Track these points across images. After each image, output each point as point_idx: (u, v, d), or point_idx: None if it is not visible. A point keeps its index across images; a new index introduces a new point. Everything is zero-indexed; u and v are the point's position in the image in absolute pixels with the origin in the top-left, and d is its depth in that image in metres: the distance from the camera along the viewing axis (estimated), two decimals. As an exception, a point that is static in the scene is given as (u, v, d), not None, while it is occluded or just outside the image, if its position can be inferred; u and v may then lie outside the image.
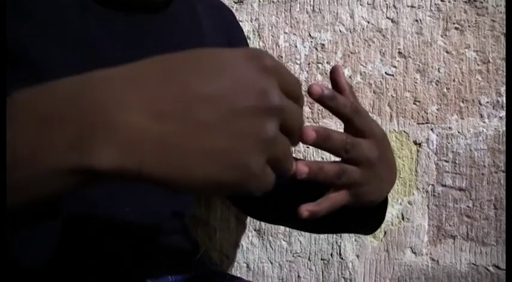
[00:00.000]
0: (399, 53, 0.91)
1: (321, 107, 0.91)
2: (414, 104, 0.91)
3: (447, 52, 0.90)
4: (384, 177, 0.45)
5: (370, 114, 0.91)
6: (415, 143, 0.91)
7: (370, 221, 0.53)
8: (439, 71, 0.90)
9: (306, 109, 0.92)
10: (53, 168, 0.24)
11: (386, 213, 0.91)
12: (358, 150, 0.42)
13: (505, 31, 0.90)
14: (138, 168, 0.25)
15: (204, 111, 0.25)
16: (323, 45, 0.91)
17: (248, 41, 0.92)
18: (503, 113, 0.90)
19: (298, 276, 0.93)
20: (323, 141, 0.40)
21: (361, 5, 0.92)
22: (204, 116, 0.25)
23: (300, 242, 0.92)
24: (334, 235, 0.92)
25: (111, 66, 0.47)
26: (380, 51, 0.91)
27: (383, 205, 0.51)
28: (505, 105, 0.90)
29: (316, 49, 0.91)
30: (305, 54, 0.91)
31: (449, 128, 0.91)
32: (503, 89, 0.90)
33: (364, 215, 0.49)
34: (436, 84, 0.90)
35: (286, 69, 0.30)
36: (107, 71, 0.27)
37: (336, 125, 0.90)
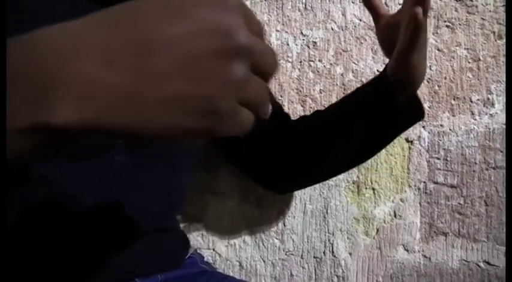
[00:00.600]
0: (391, 50, 0.91)
1: (312, 105, 0.91)
2: (406, 101, 0.91)
3: (438, 50, 0.91)
4: (418, 66, 0.57)
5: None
6: (407, 140, 0.91)
7: (406, 114, 0.64)
8: (430, 69, 0.91)
9: (298, 107, 0.91)
10: (13, 128, 0.23)
11: (378, 212, 0.91)
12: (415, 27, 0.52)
13: (494, 29, 0.90)
14: (96, 121, 0.23)
15: (160, 57, 0.24)
16: (315, 43, 0.91)
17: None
18: (493, 111, 0.91)
19: (291, 274, 0.93)
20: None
21: (353, 2, 0.92)
22: (161, 62, 0.24)
23: (293, 240, 0.92)
24: (327, 233, 0.92)
25: None
26: (372, 49, 0.91)
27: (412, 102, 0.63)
28: (495, 102, 0.91)
29: (308, 47, 0.91)
30: (297, 52, 0.91)
31: (441, 125, 0.91)
32: (493, 87, 0.90)
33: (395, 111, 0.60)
34: (427, 81, 0.91)
35: (250, 9, 0.27)
36: (63, 23, 0.25)
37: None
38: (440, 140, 0.91)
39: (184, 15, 0.24)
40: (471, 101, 0.91)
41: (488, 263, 0.92)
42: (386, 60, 0.91)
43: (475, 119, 0.91)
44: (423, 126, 0.91)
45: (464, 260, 0.92)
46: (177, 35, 0.24)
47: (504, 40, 0.90)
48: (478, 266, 0.92)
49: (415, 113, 0.64)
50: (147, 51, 0.24)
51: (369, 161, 0.91)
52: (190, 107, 0.24)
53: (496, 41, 0.90)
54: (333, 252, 0.92)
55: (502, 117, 0.90)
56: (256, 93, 0.27)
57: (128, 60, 0.23)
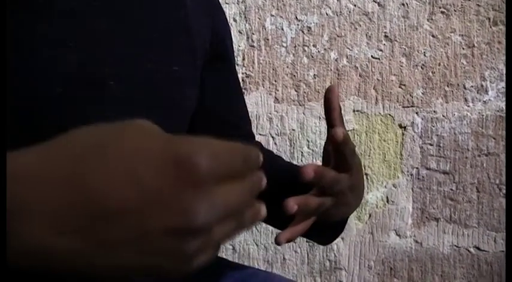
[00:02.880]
0: (385, 36, 0.91)
1: (306, 90, 0.91)
2: (400, 87, 0.91)
3: (433, 36, 0.91)
4: (351, 204, 0.46)
5: (355, 97, 0.91)
6: (400, 126, 0.92)
7: (328, 235, 0.56)
8: (424, 55, 0.91)
9: (292, 92, 0.92)
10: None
11: (371, 197, 0.92)
12: (340, 185, 0.43)
13: (489, 16, 0.90)
14: (45, 268, 0.25)
15: (112, 228, 0.23)
16: (309, 28, 0.91)
17: (235, 23, 0.91)
18: (487, 97, 0.91)
19: (284, 258, 0.94)
20: (318, 179, 0.41)
21: (348, -13, 0.92)
22: (113, 233, 0.23)
23: (286, 224, 0.93)
24: (320, 218, 0.93)
25: (94, 39, 0.46)
26: (366, 35, 0.91)
27: (343, 222, 0.54)
28: (489, 89, 0.91)
29: (303, 32, 0.91)
30: (291, 37, 0.91)
31: (434, 111, 0.91)
32: (487, 73, 0.91)
33: (323, 230, 0.51)
34: (421, 68, 0.91)
35: (226, 156, 0.25)
36: (18, 159, 0.25)
37: (321, 107, 0.90)
38: (433, 126, 0.91)
39: (138, 183, 0.23)
40: (465, 88, 0.91)
41: (478, 248, 0.93)
42: (381, 47, 0.91)
43: (469, 106, 0.91)
44: (416, 112, 0.92)
45: (455, 245, 0.93)
46: (129, 208, 0.23)
47: (499, 26, 0.90)
48: (469, 251, 0.93)
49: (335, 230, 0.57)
50: (100, 220, 0.23)
51: (362, 147, 0.92)
52: (140, 272, 0.25)
53: (491, 27, 0.90)
54: (325, 236, 0.93)
55: (495, 104, 0.91)
56: (219, 239, 0.26)
57: (80, 229, 0.23)
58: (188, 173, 0.23)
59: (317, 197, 0.43)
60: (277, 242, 0.42)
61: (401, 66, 0.91)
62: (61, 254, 0.24)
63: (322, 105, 0.96)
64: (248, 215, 0.27)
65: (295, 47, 0.91)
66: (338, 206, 0.44)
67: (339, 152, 0.42)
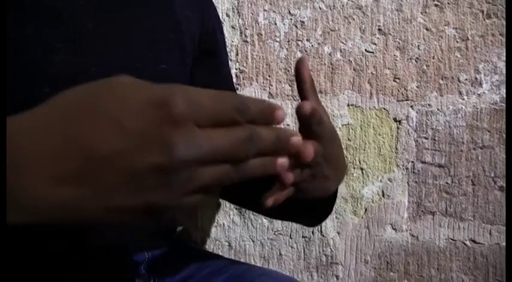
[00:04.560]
0: (379, 30, 0.90)
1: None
2: (394, 81, 0.91)
3: (427, 29, 0.90)
4: (329, 176, 0.45)
5: (350, 91, 0.91)
6: (395, 120, 0.92)
7: (314, 215, 0.54)
8: (418, 48, 0.90)
9: (286, 87, 0.91)
10: None
11: (366, 191, 0.92)
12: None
13: (483, 9, 0.90)
14: (49, 220, 0.26)
15: (105, 172, 0.25)
16: (303, 22, 0.90)
17: (228, 18, 0.90)
18: (481, 90, 0.91)
19: (280, 254, 0.93)
20: (314, 114, 0.40)
21: (341, -19, 0.91)
22: (106, 177, 0.25)
23: (282, 220, 0.92)
24: (315, 213, 0.93)
25: (81, 38, 0.46)
26: (360, 28, 0.90)
27: (329, 201, 0.52)
28: (483, 82, 0.91)
29: (296, 26, 0.90)
30: (285, 32, 0.90)
31: (429, 105, 0.91)
32: (481, 66, 0.91)
33: (307, 209, 0.50)
34: (415, 61, 0.91)
35: (207, 100, 0.27)
36: (13, 121, 0.27)
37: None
38: (428, 120, 0.91)
39: (122, 128, 0.25)
40: (459, 81, 0.91)
41: (474, 241, 0.93)
42: (375, 41, 0.91)
43: (463, 99, 0.91)
44: (411, 106, 0.91)
45: (451, 238, 0.93)
46: (117, 151, 0.25)
47: (493, 19, 0.90)
48: (464, 244, 0.93)
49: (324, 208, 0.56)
50: (93, 166, 0.25)
51: (356, 141, 0.92)
52: (137, 213, 0.27)
53: (484, 20, 0.90)
54: (321, 231, 0.93)
55: (489, 97, 0.91)
56: (205, 180, 0.27)
57: (76, 175, 0.25)
58: (166, 113, 0.25)
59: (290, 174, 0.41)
60: (265, 203, 0.41)
61: (396, 59, 0.90)
62: (62, 201, 0.26)
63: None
64: (248, 164, 0.28)
65: (288, 41, 0.91)
66: (315, 179, 0.43)
67: (306, 124, 0.41)
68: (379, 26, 0.90)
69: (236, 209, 0.93)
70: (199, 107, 0.26)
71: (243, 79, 0.91)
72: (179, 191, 0.26)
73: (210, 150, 0.26)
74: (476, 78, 0.91)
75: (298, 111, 0.39)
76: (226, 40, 0.81)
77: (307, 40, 0.90)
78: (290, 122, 0.91)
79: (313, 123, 0.40)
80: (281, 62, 0.90)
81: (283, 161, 0.31)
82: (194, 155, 0.26)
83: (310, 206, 0.49)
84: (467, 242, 0.93)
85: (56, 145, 0.26)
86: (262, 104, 0.29)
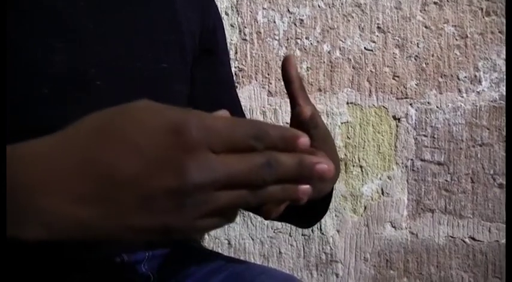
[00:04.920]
0: (378, 28, 0.90)
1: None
2: (393, 79, 0.91)
3: (426, 27, 0.90)
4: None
5: (349, 89, 0.91)
6: (394, 118, 0.92)
7: (309, 216, 0.55)
8: (418, 46, 0.90)
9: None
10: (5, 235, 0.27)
11: (366, 189, 0.92)
12: None
13: (482, 6, 0.90)
14: (67, 238, 0.27)
15: (121, 193, 0.26)
16: (302, 20, 0.90)
17: (227, 17, 0.90)
18: (480, 88, 0.91)
19: (280, 252, 0.94)
20: (313, 118, 0.42)
21: (340, -21, 0.91)
22: (122, 198, 0.26)
23: (281, 218, 0.92)
24: (315, 211, 0.93)
25: (81, 38, 0.46)
26: (359, 27, 0.90)
27: (324, 201, 0.52)
28: (482, 80, 0.91)
29: (295, 24, 0.90)
30: (284, 30, 0.90)
31: (428, 103, 0.91)
32: (480, 64, 0.91)
33: (303, 211, 0.50)
34: (415, 59, 0.91)
35: (223, 127, 0.27)
36: (32, 145, 0.28)
37: (314, 100, 0.90)
38: (427, 118, 0.91)
39: (139, 153, 0.26)
40: (458, 79, 0.91)
41: (473, 238, 0.93)
42: (374, 39, 0.91)
43: (462, 97, 0.91)
44: (410, 104, 0.91)
45: (450, 236, 0.93)
46: (133, 175, 0.26)
47: (492, 17, 0.90)
48: (464, 241, 0.93)
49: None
50: (111, 188, 0.26)
51: (356, 139, 0.92)
52: (152, 233, 0.28)
53: (483, 17, 0.90)
54: (321, 229, 0.93)
55: (489, 95, 0.91)
56: (220, 204, 0.28)
57: (94, 196, 0.27)
58: (180, 139, 0.26)
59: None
60: (266, 217, 0.41)
61: (395, 57, 0.90)
62: (80, 220, 0.27)
63: (316, 98, 0.96)
64: (268, 190, 0.28)
65: (287, 39, 0.90)
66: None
67: (303, 128, 0.40)
68: (378, 24, 0.90)
69: (236, 207, 0.93)
70: (214, 133, 0.27)
71: (242, 77, 0.91)
72: (193, 214, 0.27)
73: (225, 175, 0.27)
74: (475, 76, 0.91)
75: (299, 116, 0.39)
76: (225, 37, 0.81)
77: (306, 38, 0.90)
78: (289, 121, 0.91)
79: (310, 128, 0.40)
80: (280, 60, 0.90)
81: (306, 188, 0.30)
82: (208, 179, 0.26)
83: (305, 207, 0.49)
84: (467, 240, 0.93)
85: (76, 167, 0.27)
86: (284, 130, 0.29)
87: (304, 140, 0.29)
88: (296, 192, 0.30)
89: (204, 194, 0.26)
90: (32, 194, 0.27)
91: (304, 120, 0.39)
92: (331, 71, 0.91)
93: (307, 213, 0.52)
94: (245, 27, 0.90)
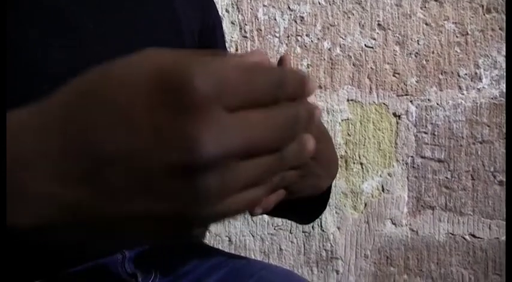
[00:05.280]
0: (378, 25, 0.90)
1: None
2: (394, 76, 0.91)
3: (426, 24, 0.90)
4: (320, 174, 0.44)
5: (349, 86, 0.91)
6: (394, 115, 0.92)
7: (308, 212, 0.54)
8: (418, 43, 0.90)
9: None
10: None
11: (366, 186, 0.92)
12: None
13: (483, 3, 0.90)
14: (55, 227, 0.23)
15: (116, 173, 0.21)
16: (302, 17, 0.90)
17: (227, 14, 0.90)
18: (481, 85, 0.91)
19: (280, 248, 0.94)
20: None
21: (340, -24, 0.91)
22: (118, 178, 0.21)
23: (282, 215, 0.93)
24: (315, 208, 0.93)
25: (81, 38, 0.46)
26: (359, 24, 0.90)
27: (322, 198, 0.51)
28: (483, 77, 0.91)
29: (296, 22, 0.90)
30: (284, 27, 0.90)
31: (429, 100, 0.91)
32: (481, 61, 0.91)
33: (301, 208, 0.49)
34: (415, 56, 0.91)
35: (237, 75, 0.21)
36: (15, 116, 0.24)
37: (315, 97, 0.90)
38: (427, 115, 0.91)
39: (129, 121, 0.20)
40: (459, 76, 0.91)
41: (473, 235, 0.93)
42: (375, 36, 0.91)
43: (463, 94, 0.91)
44: (411, 101, 0.91)
45: (450, 233, 0.93)
46: (125, 150, 0.20)
47: (492, 14, 0.90)
48: (464, 238, 0.93)
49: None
50: (102, 166, 0.21)
51: (356, 136, 0.92)
52: (161, 222, 0.22)
53: (484, 15, 0.90)
54: (321, 226, 0.93)
55: (489, 92, 0.91)
56: (245, 181, 0.22)
57: (82, 176, 0.21)
58: (184, 98, 0.20)
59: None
60: (253, 211, 0.38)
61: (395, 54, 0.91)
62: (70, 204, 0.22)
63: (316, 95, 0.96)
64: (293, 154, 0.23)
65: (288, 37, 0.91)
66: (305, 178, 0.41)
67: None
68: (378, 21, 0.90)
69: (236, 204, 0.94)
70: (227, 83, 0.20)
71: (242, 74, 0.91)
72: (208, 197, 0.21)
73: (248, 142, 0.20)
74: (476, 73, 0.91)
75: None
76: (225, 36, 0.81)
77: (307, 35, 0.90)
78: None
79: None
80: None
81: (312, 141, 0.25)
82: (225, 149, 0.20)
83: (304, 204, 0.48)
84: (467, 237, 0.93)
85: (58, 145, 0.22)
86: (299, 75, 0.23)
87: (313, 84, 0.24)
88: (310, 149, 0.24)
89: (222, 169, 0.20)
90: (14, 175, 0.22)
91: None
92: (331, 68, 0.91)
93: (305, 210, 0.52)
94: (246, 24, 0.90)
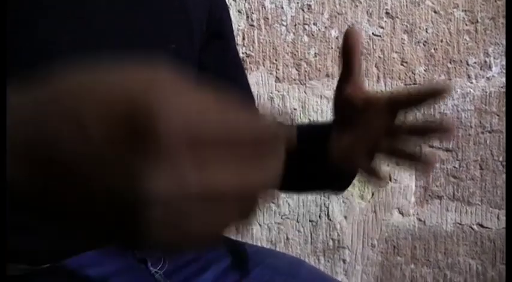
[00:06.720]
0: (386, 13, 0.89)
1: (307, 69, 0.90)
2: (401, 64, 0.90)
3: (435, 12, 0.89)
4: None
5: (357, 76, 0.91)
6: (402, 104, 0.91)
7: (347, 177, 0.54)
8: (426, 32, 0.89)
9: (293, 71, 0.91)
10: None
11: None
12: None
13: (493, -10, 0.89)
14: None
15: (62, 184, 0.20)
16: (309, 6, 0.90)
17: (234, 2, 0.90)
18: (490, 74, 0.90)
19: (287, 238, 0.94)
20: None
21: (348, -36, 0.90)
22: (66, 191, 0.20)
23: (289, 204, 0.93)
24: (322, 197, 0.93)
25: (90, 23, 0.46)
26: (367, 12, 0.89)
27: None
28: (492, 65, 0.90)
29: (303, 10, 0.90)
30: (291, 16, 0.90)
31: (437, 89, 0.91)
32: (491, 49, 0.90)
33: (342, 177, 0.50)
34: (423, 44, 0.90)
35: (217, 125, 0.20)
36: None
37: (322, 86, 0.90)
38: (436, 104, 0.91)
39: (86, 134, 0.19)
40: (468, 64, 0.90)
41: (481, 225, 0.93)
42: (383, 24, 0.90)
43: (472, 83, 0.90)
44: (419, 90, 0.91)
45: (458, 222, 0.93)
46: (71, 160, 0.19)
47: (503, 1, 0.89)
48: (472, 228, 0.93)
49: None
50: (49, 172, 0.20)
51: (364, 126, 0.92)
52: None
53: (495, 1, 0.89)
54: (328, 215, 0.93)
55: (499, 81, 0.90)
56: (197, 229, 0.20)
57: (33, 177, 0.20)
58: (145, 141, 0.18)
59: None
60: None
61: (403, 43, 0.90)
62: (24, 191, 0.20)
63: (324, 84, 0.95)
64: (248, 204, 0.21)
65: (295, 25, 0.90)
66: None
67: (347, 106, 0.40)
68: (386, 9, 0.89)
69: (243, 193, 0.94)
70: (193, 130, 0.19)
71: (249, 63, 0.90)
72: (152, 229, 0.19)
73: (202, 188, 0.19)
74: (485, 62, 0.90)
75: (351, 94, 0.39)
76: (233, 25, 0.81)
77: (314, 24, 0.90)
78: (297, 107, 0.90)
79: (356, 109, 0.39)
80: (288, 46, 0.90)
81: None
82: (177, 192, 0.18)
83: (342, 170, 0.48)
84: (475, 227, 0.93)
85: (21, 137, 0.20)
86: (275, 128, 0.22)
87: (292, 141, 0.23)
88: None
89: (168, 208, 0.19)
90: None
91: (356, 100, 0.39)
92: (339, 56, 0.90)
93: (345, 175, 0.52)
94: (252, 13, 0.90)
